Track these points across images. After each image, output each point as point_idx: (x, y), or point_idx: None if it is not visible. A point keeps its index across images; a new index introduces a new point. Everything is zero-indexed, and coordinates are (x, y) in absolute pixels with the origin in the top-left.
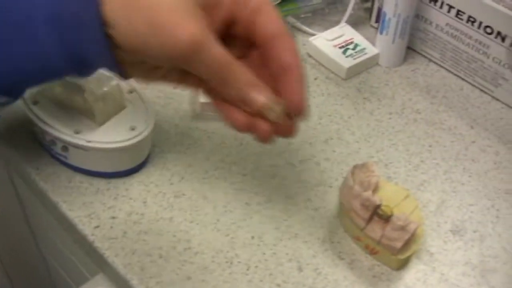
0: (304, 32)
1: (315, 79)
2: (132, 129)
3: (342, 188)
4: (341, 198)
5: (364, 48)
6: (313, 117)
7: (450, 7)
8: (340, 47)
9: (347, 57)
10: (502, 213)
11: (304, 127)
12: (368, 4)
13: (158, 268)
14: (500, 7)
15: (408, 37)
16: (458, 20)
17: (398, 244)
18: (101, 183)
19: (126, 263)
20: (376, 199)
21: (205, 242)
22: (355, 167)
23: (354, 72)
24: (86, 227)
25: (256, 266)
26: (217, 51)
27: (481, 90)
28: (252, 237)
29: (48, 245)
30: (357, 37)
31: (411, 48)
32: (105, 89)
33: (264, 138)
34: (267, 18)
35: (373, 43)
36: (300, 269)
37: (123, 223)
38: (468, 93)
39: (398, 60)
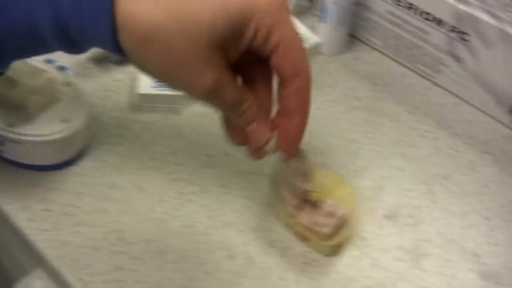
0: None
1: None
2: (66, 121)
3: (272, 176)
4: (272, 185)
5: (305, 38)
6: None
7: None
8: None
9: None
10: (438, 198)
11: None
12: None
13: (90, 259)
14: None
15: (349, 25)
16: (399, 7)
17: (327, 230)
18: (36, 175)
19: (59, 255)
20: (305, 186)
21: (137, 232)
22: None
23: None
24: (19, 220)
25: (187, 255)
26: (229, 94)
27: (423, 77)
28: (185, 226)
29: None
30: (299, 26)
31: (354, 36)
32: (39, 82)
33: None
34: (285, 57)
35: (316, 32)
36: (231, 257)
37: (57, 215)
38: (410, 79)
39: (340, 48)
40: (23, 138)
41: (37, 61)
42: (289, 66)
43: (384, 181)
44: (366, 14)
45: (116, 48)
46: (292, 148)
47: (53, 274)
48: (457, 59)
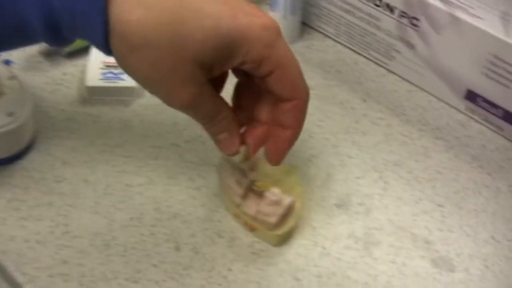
0: None
1: None
2: (10, 115)
3: (219, 166)
4: (219, 175)
5: None
6: None
7: None
8: None
9: None
10: (390, 185)
11: None
12: None
13: (35, 254)
14: None
15: (300, 13)
16: None
17: (273, 219)
18: None
19: (3, 250)
20: (251, 175)
21: (83, 225)
22: None
23: None
24: None
25: (133, 248)
26: (206, 107)
27: (376, 64)
28: (131, 219)
29: None
30: None
31: (307, 24)
32: None
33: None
34: (281, 81)
35: None
36: (177, 249)
37: (3, 210)
38: (363, 67)
39: (293, 37)
40: None
41: None
42: (285, 90)
43: (334, 169)
44: (318, 1)
45: (106, 48)
46: (278, 158)
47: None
48: (409, 45)
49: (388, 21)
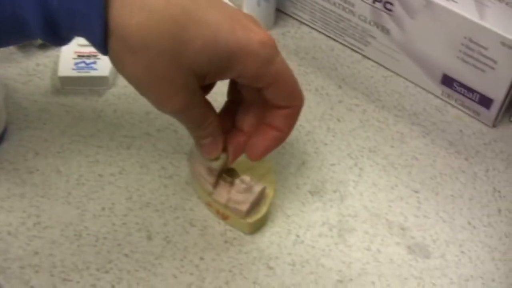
0: None
1: None
2: None
3: (190, 154)
4: (190, 164)
5: None
6: None
7: None
8: None
9: None
10: (365, 172)
11: None
12: None
13: (5, 245)
14: None
15: None
16: None
17: (244, 207)
18: None
19: None
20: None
21: (55, 216)
22: None
23: None
24: None
25: (105, 238)
26: (195, 113)
27: (352, 50)
28: (103, 209)
29: None
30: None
31: (281, 11)
32: None
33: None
34: (277, 94)
35: (241, 8)
36: (149, 238)
37: None
38: (339, 53)
39: (267, 24)
40: None
41: None
42: (282, 100)
43: (309, 156)
44: None
45: (103, 49)
46: (259, 153)
47: None
48: (384, 30)
49: (362, 6)
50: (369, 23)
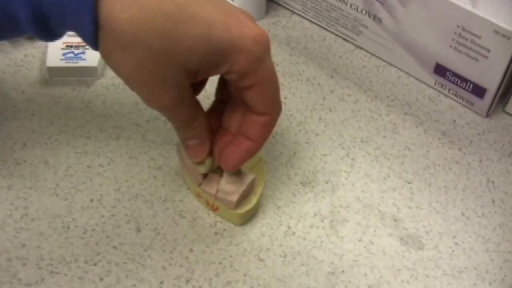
0: None
1: None
2: None
3: (179, 145)
4: (179, 155)
5: None
6: None
7: None
8: None
9: None
10: (357, 162)
11: None
12: None
13: None
14: None
15: None
16: None
17: (234, 198)
18: None
19: None
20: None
21: (42, 208)
22: None
23: None
24: None
25: (93, 230)
26: (184, 112)
27: (344, 39)
28: (91, 200)
29: None
30: None
31: (273, 0)
32: None
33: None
34: (258, 97)
35: None
36: (138, 230)
37: None
38: (331, 43)
39: (259, 14)
40: None
41: None
42: (260, 104)
43: (300, 147)
44: None
45: (94, 44)
46: (233, 165)
47: None
48: (376, 19)
49: None
50: (361, 12)
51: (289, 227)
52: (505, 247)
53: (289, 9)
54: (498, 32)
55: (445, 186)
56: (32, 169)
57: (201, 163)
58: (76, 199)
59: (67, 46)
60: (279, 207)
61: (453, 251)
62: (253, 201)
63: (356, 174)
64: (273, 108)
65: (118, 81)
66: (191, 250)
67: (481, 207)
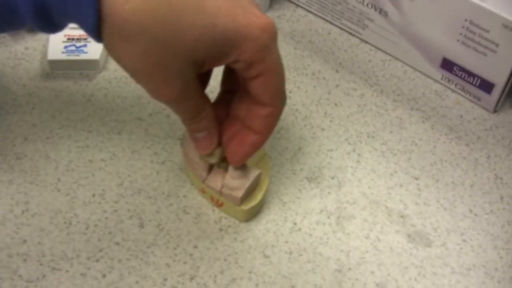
0: None
1: None
2: None
3: (183, 139)
4: (183, 149)
5: None
6: None
7: None
8: None
9: None
10: (363, 158)
11: None
12: None
13: None
14: None
15: None
16: None
17: (239, 193)
18: None
19: None
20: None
21: (43, 203)
22: None
23: None
24: None
25: (96, 225)
26: (191, 103)
27: (349, 33)
28: (93, 195)
29: None
30: None
31: None
32: None
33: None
34: (263, 87)
35: None
36: (141, 226)
37: None
38: (336, 36)
39: (263, 7)
40: None
41: None
42: (265, 95)
43: (305, 142)
44: None
45: (97, 36)
46: (239, 160)
47: None
48: (382, 12)
49: None
50: (367, 5)
51: (295, 224)
52: None
53: (293, 2)
54: (507, 26)
55: (452, 182)
56: (33, 163)
57: (210, 154)
58: (78, 194)
59: (68, 39)
60: (285, 203)
61: (461, 248)
62: (258, 197)
63: (362, 169)
64: (278, 100)
65: (121, 74)
66: (195, 247)
67: (489, 203)
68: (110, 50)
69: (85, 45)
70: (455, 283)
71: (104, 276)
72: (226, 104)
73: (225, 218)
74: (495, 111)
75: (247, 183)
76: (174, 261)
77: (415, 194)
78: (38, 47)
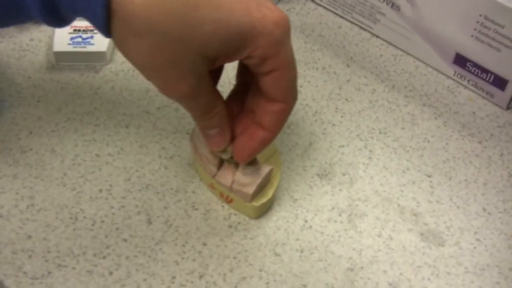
0: None
1: None
2: None
3: (192, 134)
4: (192, 144)
5: None
6: None
7: None
8: None
9: None
10: (375, 154)
11: None
12: None
13: None
14: None
15: None
16: None
17: (250, 190)
18: None
19: None
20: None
21: (49, 198)
22: None
23: None
24: None
25: (102, 221)
26: (203, 99)
27: (360, 27)
28: (100, 191)
29: None
30: None
31: None
32: None
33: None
34: (275, 83)
35: None
36: (149, 222)
37: None
38: (347, 30)
39: (272, 0)
40: None
41: None
42: (277, 91)
43: (316, 137)
44: None
45: (106, 31)
46: (246, 156)
47: None
48: (394, 6)
49: None
50: None
51: (306, 221)
52: None
53: None
54: None
55: (465, 180)
56: (38, 157)
57: (223, 150)
58: (84, 189)
59: (75, 30)
60: (295, 199)
61: (474, 247)
62: (269, 193)
63: (374, 166)
64: (290, 96)
65: (128, 66)
66: (204, 244)
67: (503, 202)
68: (120, 45)
69: (91, 37)
70: (468, 283)
71: (111, 273)
72: (240, 98)
73: (235, 214)
74: (508, 108)
75: (258, 179)
76: (182, 258)
77: (427, 192)
78: (43, 38)
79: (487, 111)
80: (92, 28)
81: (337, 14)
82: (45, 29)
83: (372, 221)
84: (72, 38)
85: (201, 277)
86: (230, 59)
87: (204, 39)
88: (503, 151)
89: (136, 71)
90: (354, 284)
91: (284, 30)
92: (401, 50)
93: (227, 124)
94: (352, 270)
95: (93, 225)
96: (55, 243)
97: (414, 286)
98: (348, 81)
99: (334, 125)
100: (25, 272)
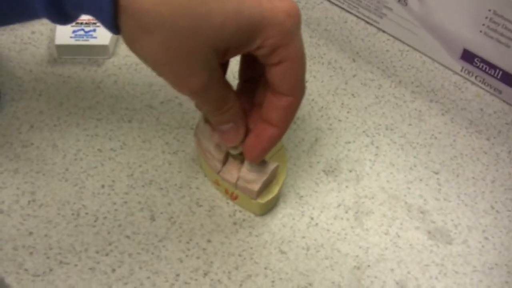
0: None
1: None
2: None
3: (197, 129)
4: (196, 139)
5: None
6: None
7: None
8: None
9: None
10: (382, 150)
11: None
12: None
13: None
14: None
15: None
16: None
17: (256, 187)
18: None
19: None
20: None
21: (51, 193)
22: None
23: None
24: None
25: (105, 217)
26: (215, 94)
27: (366, 22)
28: (102, 186)
29: None
30: None
31: None
32: None
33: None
34: (284, 75)
35: None
36: (152, 219)
37: None
38: (352, 25)
39: None
40: None
41: None
42: (285, 84)
43: (322, 133)
44: None
45: (114, 28)
46: (257, 155)
47: None
48: (401, 1)
49: None
50: None
51: (312, 218)
52: None
53: None
54: None
55: (473, 178)
56: (39, 152)
57: (238, 145)
58: (87, 184)
59: (77, 23)
60: (301, 196)
61: (482, 246)
62: (275, 190)
63: (381, 163)
64: (298, 89)
65: (131, 60)
66: (209, 241)
67: (511, 200)
68: (130, 42)
69: (94, 30)
70: (477, 282)
71: (113, 270)
72: (248, 94)
73: (240, 211)
74: None
75: (264, 176)
76: (186, 256)
77: (435, 189)
78: (45, 31)
79: (494, 107)
80: (94, 21)
81: (343, 9)
82: (47, 22)
83: (379, 219)
84: (74, 31)
85: (205, 274)
86: (241, 51)
87: (215, 32)
88: (511, 149)
89: (139, 65)
90: (361, 282)
91: (295, 21)
92: (408, 45)
93: (241, 119)
94: (358, 268)
95: (95, 221)
96: (57, 239)
97: (421, 285)
98: (354, 76)
99: (340, 120)
100: (26, 269)
